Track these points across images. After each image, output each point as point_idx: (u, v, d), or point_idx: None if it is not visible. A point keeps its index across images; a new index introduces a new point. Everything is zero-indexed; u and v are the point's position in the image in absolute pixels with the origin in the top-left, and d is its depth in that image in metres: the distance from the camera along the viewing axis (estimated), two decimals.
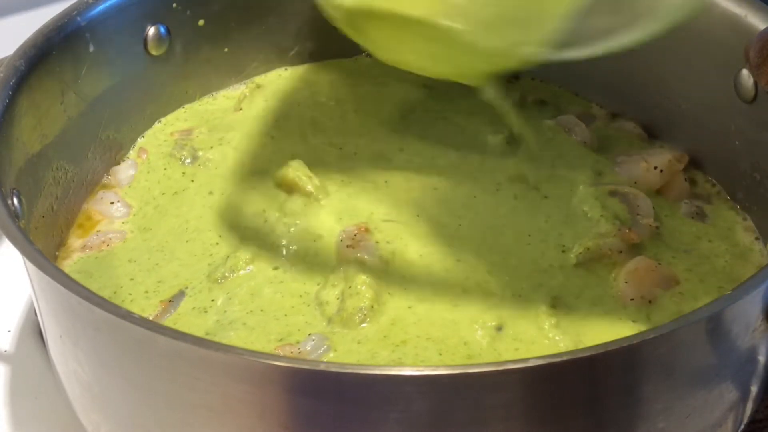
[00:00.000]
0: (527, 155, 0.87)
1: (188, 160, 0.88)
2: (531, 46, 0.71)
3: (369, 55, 1.01)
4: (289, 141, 0.90)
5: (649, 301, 0.74)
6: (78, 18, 0.82)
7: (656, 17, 0.70)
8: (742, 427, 0.70)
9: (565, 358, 0.56)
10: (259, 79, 0.98)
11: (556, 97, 0.96)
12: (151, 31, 0.89)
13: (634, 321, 0.73)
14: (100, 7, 0.84)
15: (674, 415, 0.62)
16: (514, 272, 0.76)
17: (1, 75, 0.75)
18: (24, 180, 0.75)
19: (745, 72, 0.80)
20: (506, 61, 0.75)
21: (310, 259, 0.78)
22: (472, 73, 0.77)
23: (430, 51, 0.75)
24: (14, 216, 0.67)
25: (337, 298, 0.73)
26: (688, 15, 0.70)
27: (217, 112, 0.95)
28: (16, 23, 1.22)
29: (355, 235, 0.78)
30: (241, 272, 0.77)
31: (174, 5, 0.90)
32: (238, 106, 0.94)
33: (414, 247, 0.78)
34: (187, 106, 0.95)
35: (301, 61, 1.00)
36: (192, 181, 0.86)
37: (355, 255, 0.76)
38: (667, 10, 0.70)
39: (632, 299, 0.74)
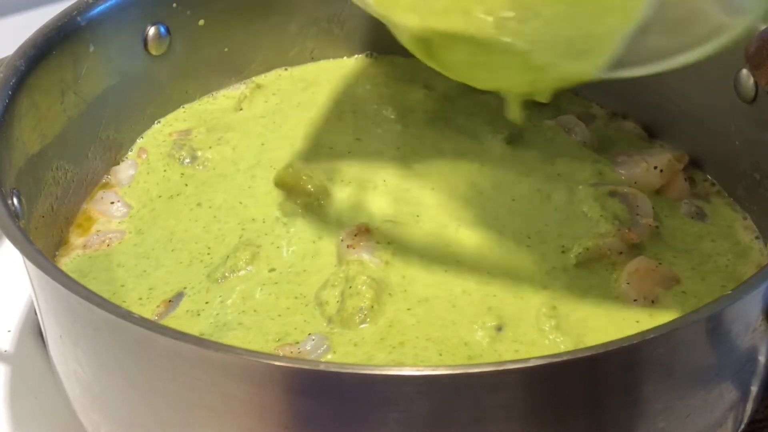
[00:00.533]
0: (527, 156, 0.87)
1: (187, 160, 0.88)
2: (590, 67, 0.73)
3: (369, 55, 1.01)
4: (289, 141, 0.90)
5: (652, 301, 0.74)
6: (78, 18, 0.82)
7: (710, 40, 0.70)
8: (742, 427, 0.70)
9: (565, 358, 0.56)
10: (259, 79, 0.98)
11: (556, 97, 0.95)
12: (151, 31, 0.89)
13: (637, 321, 0.73)
14: (100, 7, 0.84)
15: (674, 415, 0.62)
16: (514, 273, 0.76)
17: (1, 75, 0.75)
18: (24, 180, 0.75)
19: (745, 72, 0.80)
20: (564, 81, 0.76)
21: (309, 259, 0.78)
22: (537, 91, 0.79)
23: (492, 70, 0.77)
24: (14, 216, 0.67)
25: (337, 300, 0.73)
26: (742, 37, 0.71)
27: (217, 112, 0.95)
28: (16, 23, 1.23)
29: (356, 236, 0.78)
30: (241, 272, 0.77)
31: (174, 5, 0.90)
32: (238, 106, 0.94)
33: (414, 247, 0.78)
34: (186, 105, 0.95)
35: (301, 61, 1.00)
36: (186, 185, 0.86)
37: (356, 255, 0.76)
38: (721, 34, 0.70)
39: (635, 300, 0.74)
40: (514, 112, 0.81)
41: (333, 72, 0.99)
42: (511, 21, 0.73)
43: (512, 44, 0.73)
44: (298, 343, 0.71)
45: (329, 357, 0.70)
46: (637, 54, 0.72)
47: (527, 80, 0.78)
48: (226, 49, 0.96)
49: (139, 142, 0.91)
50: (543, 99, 0.79)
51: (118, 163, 0.89)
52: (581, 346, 0.69)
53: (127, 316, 0.58)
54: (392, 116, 0.92)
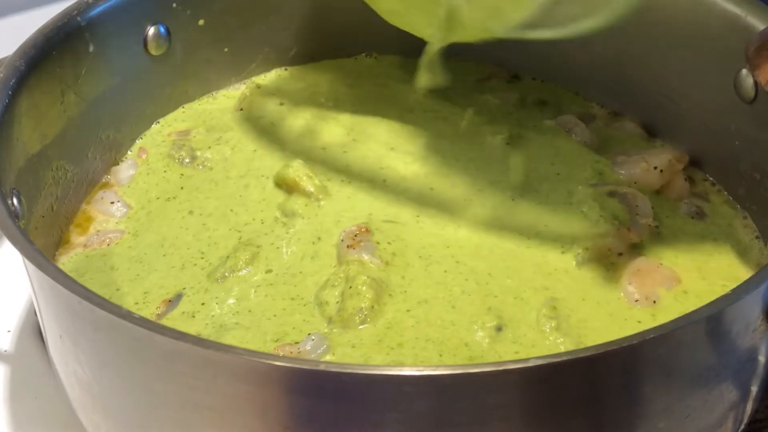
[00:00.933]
0: (526, 156, 0.87)
1: (187, 160, 0.88)
2: (502, 25, 0.74)
3: (369, 55, 1.01)
4: (289, 141, 0.90)
5: (654, 302, 0.74)
6: (78, 18, 0.82)
7: (617, 5, 0.71)
8: (743, 427, 0.70)
9: (565, 358, 0.56)
10: (258, 79, 0.98)
11: (556, 97, 0.96)
12: (151, 31, 0.89)
13: (639, 322, 0.73)
14: (100, 7, 0.84)
15: (674, 415, 0.62)
16: (514, 274, 0.76)
17: (1, 75, 0.75)
18: (24, 180, 0.75)
19: (745, 72, 0.80)
20: (475, 35, 0.77)
21: (308, 260, 0.78)
22: (440, 38, 0.80)
23: (417, 10, 0.78)
24: (14, 216, 0.67)
25: (337, 301, 0.73)
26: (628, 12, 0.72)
27: (216, 112, 0.94)
28: (16, 23, 1.22)
29: (356, 236, 0.78)
30: (242, 272, 0.77)
31: (174, 5, 0.90)
32: (238, 106, 0.94)
33: (414, 248, 0.78)
34: (186, 106, 0.95)
35: (301, 61, 1.00)
36: (182, 188, 0.86)
37: (356, 255, 0.76)
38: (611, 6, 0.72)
39: (637, 300, 0.74)
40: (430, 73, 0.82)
41: (333, 72, 0.99)
42: None
43: None
44: (297, 343, 0.71)
45: (329, 357, 0.70)
46: (547, 17, 0.73)
47: (443, 26, 0.78)
48: (226, 49, 0.96)
49: (139, 142, 0.91)
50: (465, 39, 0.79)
51: (118, 163, 0.89)
52: (582, 347, 0.69)
53: (126, 315, 0.58)
54: (392, 116, 0.92)
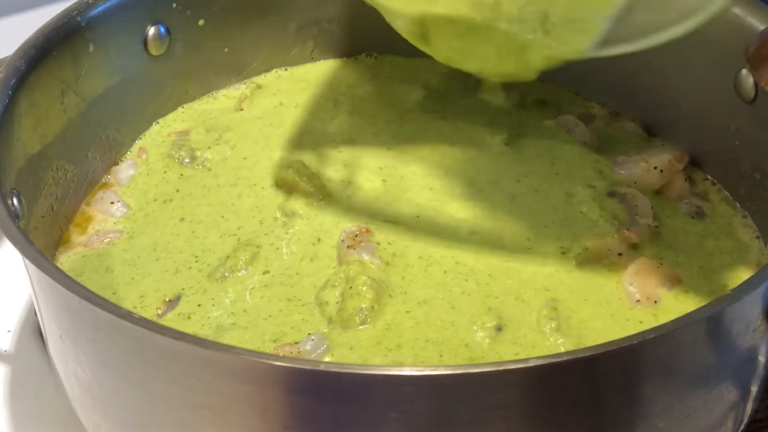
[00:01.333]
0: (526, 156, 0.87)
1: (186, 160, 0.88)
2: (577, 46, 0.74)
3: (369, 55, 1.01)
4: (289, 141, 0.90)
5: (655, 302, 0.74)
6: (78, 18, 0.82)
7: (694, 13, 0.70)
8: (742, 427, 0.70)
9: (565, 358, 0.56)
10: (259, 79, 0.98)
11: (556, 97, 0.96)
12: (151, 31, 0.89)
13: (641, 322, 0.73)
14: (100, 7, 0.84)
15: (674, 415, 0.62)
16: (514, 274, 0.76)
17: (1, 75, 0.75)
18: (24, 180, 0.75)
19: (745, 72, 0.80)
20: (551, 61, 0.77)
21: (307, 261, 0.78)
22: (523, 71, 0.79)
23: (484, 52, 0.78)
24: (14, 216, 0.67)
25: (337, 301, 0.73)
26: (723, 9, 0.71)
27: (216, 112, 0.94)
28: (16, 23, 1.23)
29: (356, 236, 0.78)
30: (241, 273, 0.77)
31: (174, 5, 0.90)
32: (238, 106, 0.94)
33: (414, 248, 0.78)
34: (186, 105, 0.95)
35: (301, 61, 1.00)
36: (177, 191, 0.86)
37: (356, 255, 0.76)
38: (698, 12, 0.71)
39: (638, 300, 0.74)
40: (493, 93, 0.82)
41: (333, 72, 0.99)
42: (501, 3, 0.74)
43: (500, 26, 0.74)
44: (297, 343, 0.71)
45: (328, 358, 0.70)
46: (622, 32, 0.72)
47: (515, 61, 0.78)
48: (226, 49, 0.96)
49: (139, 142, 0.91)
50: (529, 78, 0.79)
51: (118, 163, 0.89)
52: (582, 347, 0.69)
53: (127, 316, 0.58)
54: (392, 116, 0.92)
